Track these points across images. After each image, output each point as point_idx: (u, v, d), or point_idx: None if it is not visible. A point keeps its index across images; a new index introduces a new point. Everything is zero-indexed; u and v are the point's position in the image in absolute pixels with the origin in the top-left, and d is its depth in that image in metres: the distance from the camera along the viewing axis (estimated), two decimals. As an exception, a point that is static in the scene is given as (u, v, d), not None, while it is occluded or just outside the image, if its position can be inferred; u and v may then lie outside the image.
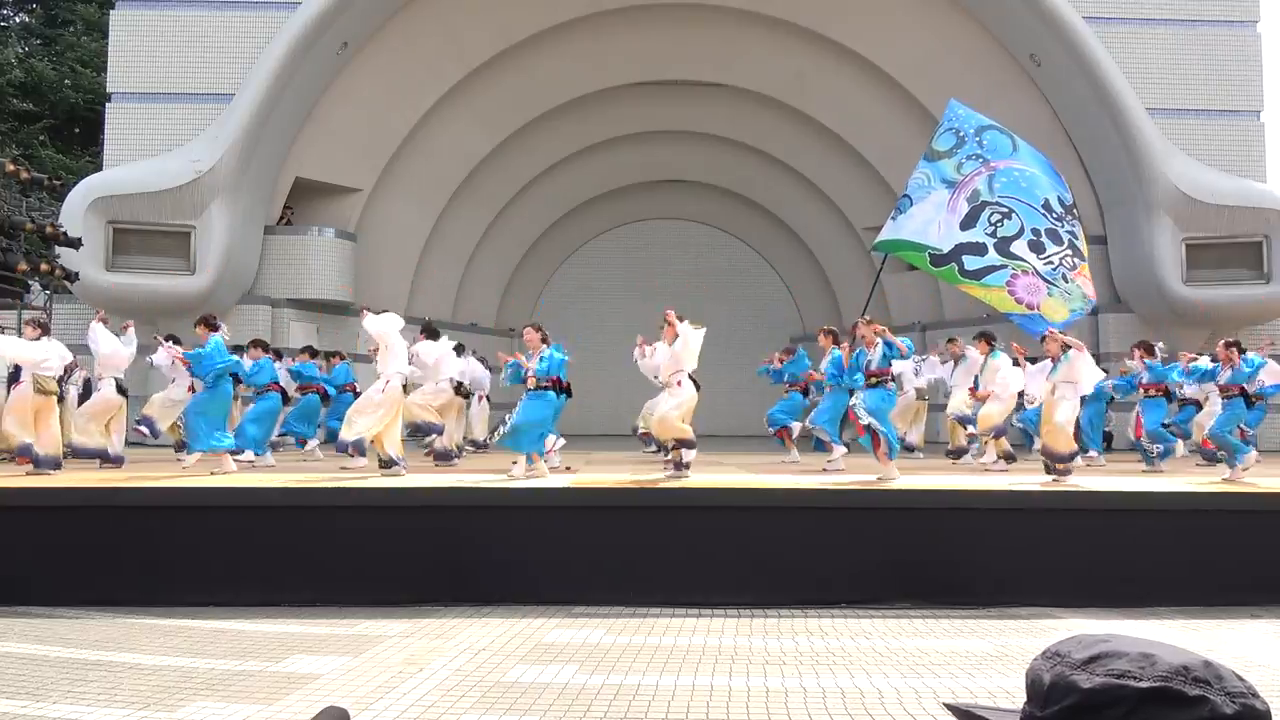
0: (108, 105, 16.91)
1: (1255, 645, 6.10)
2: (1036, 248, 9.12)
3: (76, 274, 13.36)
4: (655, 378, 10.45)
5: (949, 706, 0.92)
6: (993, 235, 9.21)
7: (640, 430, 13.22)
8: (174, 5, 16.62)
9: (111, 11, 17.29)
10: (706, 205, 24.81)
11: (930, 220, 9.60)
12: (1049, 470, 8.94)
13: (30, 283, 13.28)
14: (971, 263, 9.22)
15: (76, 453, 10.32)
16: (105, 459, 10.24)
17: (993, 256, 9.16)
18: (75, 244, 13.05)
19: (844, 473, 9.98)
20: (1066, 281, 9.08)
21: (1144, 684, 0.78)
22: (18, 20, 30.73)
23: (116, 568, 7.26)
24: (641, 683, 5.08)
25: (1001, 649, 5.92)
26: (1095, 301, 9.43)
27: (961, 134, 9.79)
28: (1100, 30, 16.15)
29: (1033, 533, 7.55)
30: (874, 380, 9.23)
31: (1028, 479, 9.02)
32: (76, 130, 28.11)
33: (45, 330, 9.80)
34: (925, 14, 17.44)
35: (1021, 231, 9.15)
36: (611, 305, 24.77)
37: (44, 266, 12.72)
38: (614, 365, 21.26)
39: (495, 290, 23.44)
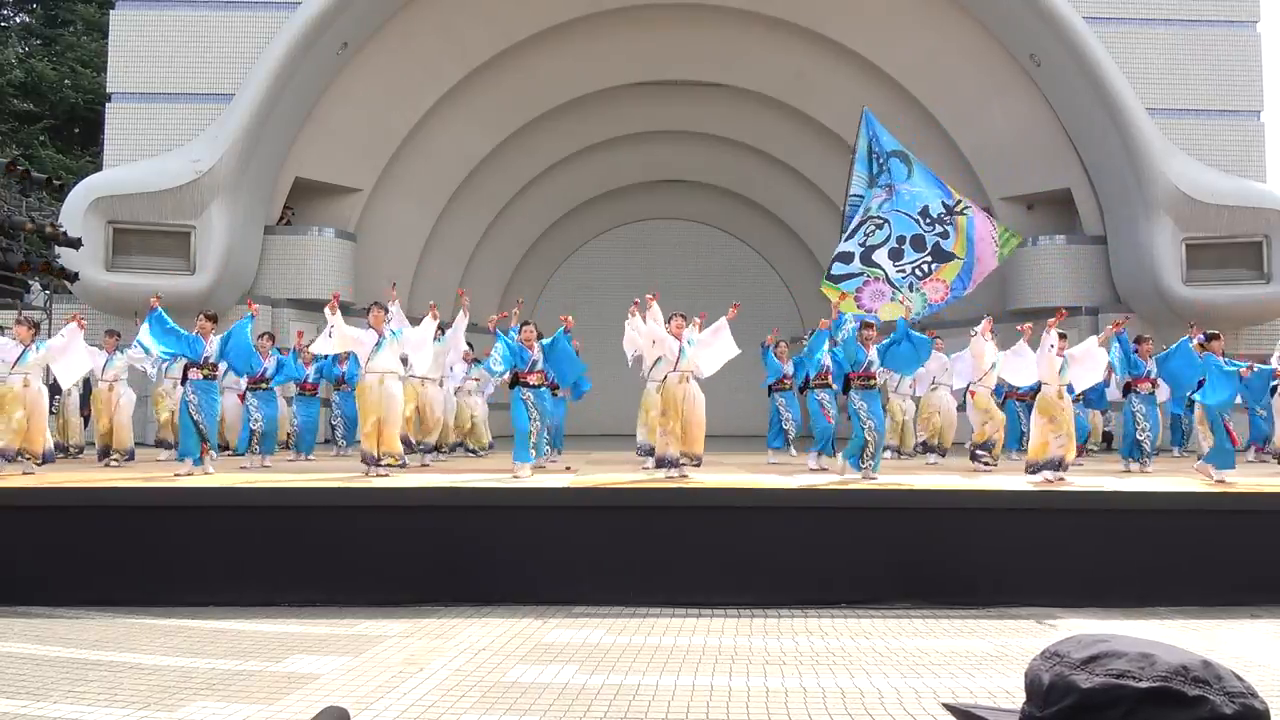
0: (108, 105, 16.91)
1: (1255, 645, 6.10)
2: (895, 255, 9.48)
3: (76, 274, 13.37)
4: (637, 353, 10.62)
5: (948, 707, 0.92)
6: (863, 245, 9.57)
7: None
8: (174, 5, 16.61)
9: (111, 11, 17.29)
10: (706, 205, 24.81)
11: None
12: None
13: (30, 282, 13.29)
14: (838, 269, 9.63)
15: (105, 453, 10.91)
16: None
17: (855, 265, 9.57)
18: (75, 244, 13.06)
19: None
20: (911, 290, 9.42)
21: (1143, 684, 0.78)
22: (18, 20, 30.75)
23: (116, 568, 7.26)
24: (641, 683, 5.08)
25: (1001, 649, 5.92)
26: (941, 305, 9.58)
27: (880, 158, 9.94)
28: (1100, 30, 16.15)
29: (1032, 533, 7.55)
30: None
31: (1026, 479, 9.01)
32: (76, 130, 28.12)
33: (36, 329, 9.71)
34: (925, 14, 17.44)
35: (887, 239, 9.51)
36: (611, 305, 24.75)
37: (44, 266, 12.72)
38: (614, 365, 21.21)
39: (495, 290, 23.42)
